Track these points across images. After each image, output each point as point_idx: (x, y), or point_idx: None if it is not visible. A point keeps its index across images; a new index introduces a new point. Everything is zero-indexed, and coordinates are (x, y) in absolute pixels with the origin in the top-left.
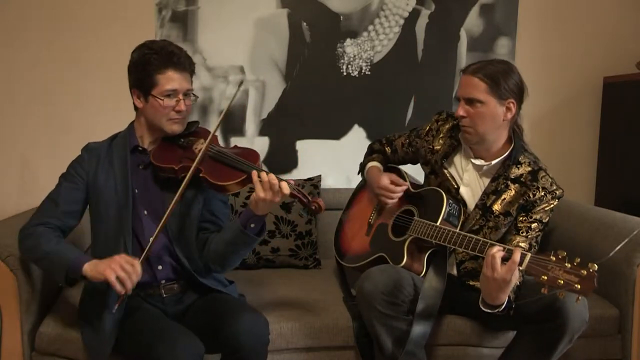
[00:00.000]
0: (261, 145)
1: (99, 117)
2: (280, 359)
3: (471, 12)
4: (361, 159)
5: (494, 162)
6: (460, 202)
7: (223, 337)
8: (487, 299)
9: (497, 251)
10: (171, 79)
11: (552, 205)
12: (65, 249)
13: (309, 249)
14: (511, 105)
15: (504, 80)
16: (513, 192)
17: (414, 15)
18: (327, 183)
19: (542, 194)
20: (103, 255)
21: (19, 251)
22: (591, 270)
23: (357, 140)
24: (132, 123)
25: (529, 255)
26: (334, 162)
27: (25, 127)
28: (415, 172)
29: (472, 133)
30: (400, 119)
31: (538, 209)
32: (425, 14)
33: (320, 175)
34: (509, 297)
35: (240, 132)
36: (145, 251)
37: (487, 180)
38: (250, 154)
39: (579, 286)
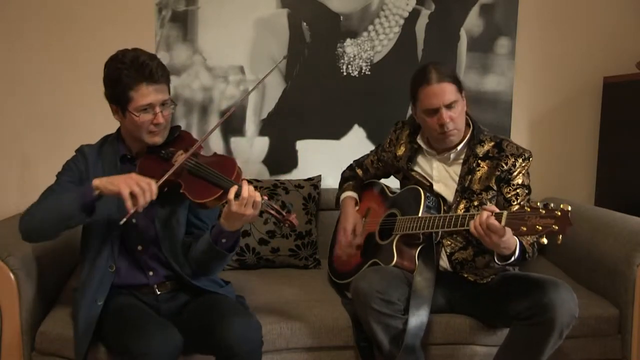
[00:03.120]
0: (261, 145)
1: (100, 117)
2: (280, 359)
3: (471, 12)
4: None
5: (459, 147)
6: (439, 196)
7: (215, 341)
8: (499, 252)
9: (489, 217)
10: (145, 95)
11: (526, 167)
12: (65, 191)
13: (309, 249)
14: (464, 94)
15: (455, 74)
16: (486, 168)
17: (414, 15)
18: (327, 183)
19: (513, 160)
20: (90, 259)
21: (23, 234)
22: (565, 210)
23: (357, 140)
24: (119, 128)
25: (505, 212)
26: (334, 162)
27: (26, 128)
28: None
29: (456, 134)
30: (400, 119)
31: (515, 174)
32: (425, 14)
33: (320, 175)
34: (521, 245)
35: (240, 132)
36: (129, 214)
37: (457, 168)
38: (227, 163)
39: (556, 227)
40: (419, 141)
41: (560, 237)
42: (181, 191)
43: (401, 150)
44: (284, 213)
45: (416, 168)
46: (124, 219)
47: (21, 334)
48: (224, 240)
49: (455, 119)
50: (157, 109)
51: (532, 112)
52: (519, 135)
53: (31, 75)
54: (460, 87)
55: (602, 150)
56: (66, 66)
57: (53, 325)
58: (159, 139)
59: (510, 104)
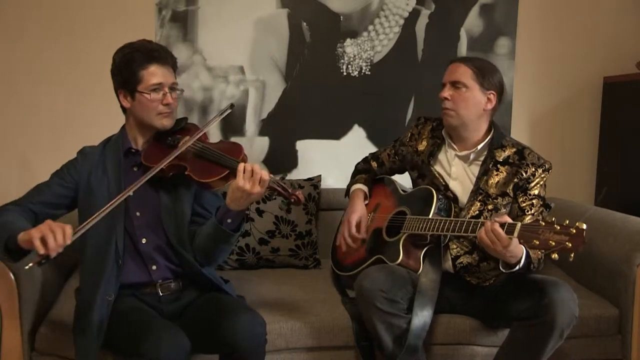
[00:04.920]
0: (261, 145)
1: (100, 117)
2: (280, 359)
3: (471, 12)
4: (361, 159)
5: (479, 147)
6: (450, 198)
7: (220, 337)
8: (505, 260)
9: (493, 223)
10: (155, 74)
11: (545, 179)
12: (19, 222)
13: (309, 249)
14: (492, 96)
15: (489, 73)
16: (504, 173)
17: (414, 15)
18: (327, 183)
19: (533, 169)
20: (93, 256)
21: None
22: (580, 228)
23: (357, 140)
24: (124, 126)
25: (519, 223)
26: (334, 162)
27: (25, 128)
28: (404, 181)
29: (454, 116)
30: (400, 119)
31: (533, 184)
32: (425, 14)
33: (320, 175)
34: (527, 253)
35: (240, 132)
36: (81, 227)
37: (476, 169)
38: (233, 148)
39: (569, 244)
40: (444, 134)
41: (573, 255)
42: (186, 173)
43: (423, 145)
44: (289, 190)
45: (435, 165)
46: (30, 264)
47: (21, 334)
48: (229, 221)
49: (456, 100)
50: (166, 90)
51: (532, 112)
52: (519, 135)
53: (31, 75)
54: (482, 81)
55: (602, 150)
56: (66, 66)
57: (53, 325)
58: (168, 122)
59: (510, 104)
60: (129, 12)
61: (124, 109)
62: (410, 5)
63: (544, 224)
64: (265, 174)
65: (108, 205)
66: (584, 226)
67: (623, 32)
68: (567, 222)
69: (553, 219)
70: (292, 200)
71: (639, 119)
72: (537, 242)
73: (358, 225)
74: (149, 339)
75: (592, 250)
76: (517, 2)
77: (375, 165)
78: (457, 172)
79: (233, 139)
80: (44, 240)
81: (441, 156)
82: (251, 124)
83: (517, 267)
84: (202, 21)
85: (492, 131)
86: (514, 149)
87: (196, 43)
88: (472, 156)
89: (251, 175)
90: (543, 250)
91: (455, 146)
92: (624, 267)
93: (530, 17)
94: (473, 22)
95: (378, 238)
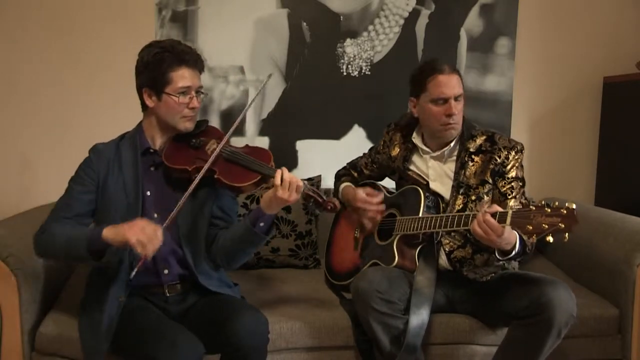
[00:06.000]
0: (261, 145)
1: (100, 117)
2: (280, 359)
3: (471, 12)
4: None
5: (452, 144)
6: (436, 195)
7: (224, 336)
8: (500, 248)
9: (484, 214)
10: (184, 77)
11: (519, 160)
12: (81, 228)
13: (309, 249)
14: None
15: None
16: (480, 162)
17: (414, 15)
18: (327, 183)
19: (506, 152)
20: (108, 255)
21: (36, 253)
22: (570, 208)
23: (357, 140)
24: (140, 123)
25: (510, 211)
26: (334, 162)
27: (26, 127)
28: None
29: (457, 128)
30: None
31: (509, 167)
32: (425, 14)
33: (320, 175)
34: (520, 238)
35: (240, 132)
36: (167, 219)
37: (452, 165)
38: (263, 153)
39: (562, 225)
40: (415, 140)
41: (567, 235)
42: (216, 176)
43: (395, 151)
44: (324, 197)
45: (412, 167)
46: (135, 271)
47: (21, 334)
48: (262, 224)
49: (459, 112)
50: (193, 93)
51: (532, 112)
52: (519, 135)
53: (31, 75)
54: (463, 83)
55: (602, 151)
56: (66, 66)
57: (53, 325)
58: (190, 125)
59: (510, 104)
60: (129, 12)
61: (145, 107)
62: (410, 5)
63: (534, 208)
64: (299, 180)
65: (177, 207)
66: (574, 206)
67: (623, 32)
68: (557, 203)
69: (542, 202)
70: (329, 207)
71: (639, 119)
72: (531, 227)
73: (369, 195)
74: (163, 344)
75: (592, 250)
76: (517, 2)
77: (355, 174)
78: (435, 173)
79: (233, 140)
80: (142, 244)
81: (416, 159)
82: (251, 124)
83: (514, 253)
84: (202, 21)
85: (462, 125)
86: (484, 137)
87: (196, 43)
88: (446, 153)
89: (289, 186)
90: (537, 235)
91: (427, 148)
92: (624, 267)
93: (530, 17)
94: (473, 22)
95: (371, 243)
